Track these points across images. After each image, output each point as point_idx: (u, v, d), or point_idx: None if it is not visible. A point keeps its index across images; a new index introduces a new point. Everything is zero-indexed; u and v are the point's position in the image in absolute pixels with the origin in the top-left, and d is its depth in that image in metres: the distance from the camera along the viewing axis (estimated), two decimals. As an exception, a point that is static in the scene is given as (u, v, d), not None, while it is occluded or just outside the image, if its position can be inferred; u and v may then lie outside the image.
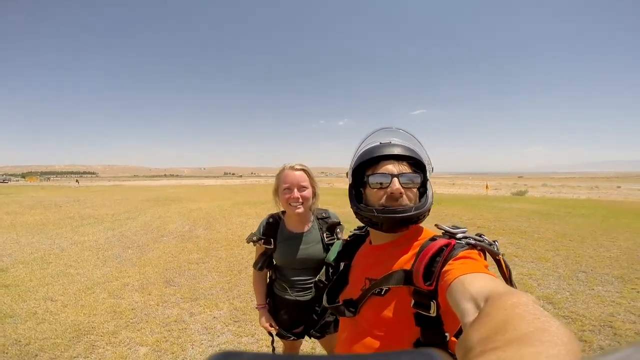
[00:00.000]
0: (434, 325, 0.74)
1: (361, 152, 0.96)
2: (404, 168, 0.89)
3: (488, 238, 0.79)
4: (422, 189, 0.93)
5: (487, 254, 0.78)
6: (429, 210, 0.89)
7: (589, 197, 20.41)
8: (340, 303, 0.97)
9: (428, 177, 0.94)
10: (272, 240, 1.61)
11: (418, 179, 0.90)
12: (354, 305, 0.91)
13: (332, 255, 1.17)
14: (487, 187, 29.29)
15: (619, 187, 39.44)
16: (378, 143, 0.95)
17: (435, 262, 0.72)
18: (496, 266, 0.81)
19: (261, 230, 1.65)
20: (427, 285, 0.71)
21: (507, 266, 0.80)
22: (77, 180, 78.19)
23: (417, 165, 0.93)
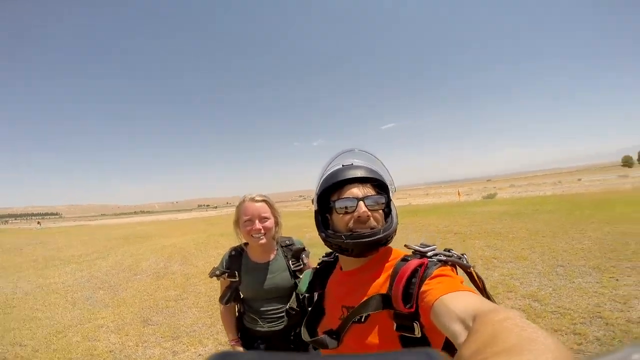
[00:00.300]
0: (421, 345, 0.73)
1: (324, 177, 0.96)
2: (369, 190, 0.90)
3: (456, 252, 0.80)
4: (387, 209, 0.93)
5: (459, 268, 0.79)
6: (395, 230, 0.90)
7: (554, 193, 21.51)
8: (321, 335, 0.92)
9: (391, 197, 0.95)
10: (236, 272, 1.58)
11: (383, 200, 0.90)
12: (335, 336, 0.88)
13: (303, 286, 1.15)
14: (459, 193, 30.25)
15: (579, 179, 41.86)
16: (340, 166, 0.96)
17: (412, 283, 0.72)
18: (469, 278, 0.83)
19: (224, 264, 1.62)
20: (407, 308, 0.70)
21: (479, 277, 0.81)
22: (38, 222, 73.49)
23: (380, 186, 0.93)
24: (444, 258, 0.76)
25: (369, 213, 0.85)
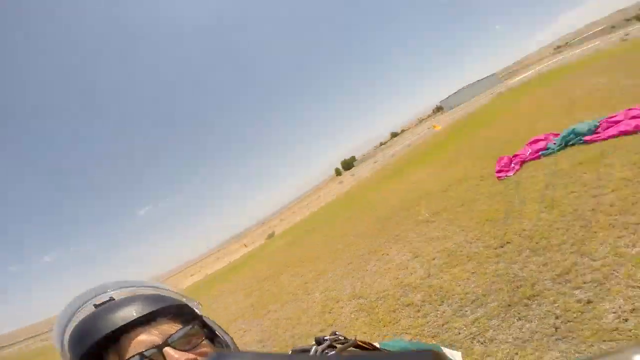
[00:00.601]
0: None
1: (75, 337, 0.56)
2: (166, 327, 0.58)
3: (326, 335, 0.69)
4: (206, 329, 0.65)
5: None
6: (235, 344, 0.67)
7: (311, 212, 26.04)
8: None
9: (200, 312, 0.67)
10: None
11: (192, 325, 0.60)
12: None
13: None
14: (245, 245, 31.55)
15: (319, 196, 52.67)
16: (93, 308, 0.59)
17: None
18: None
19: None
20: None
21: (366, 342, 0.70)
22: None
23: (178, 311, 0.63)
24: (332, 352, 0.63)
25: (190, 356, 0.54)
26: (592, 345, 1.85)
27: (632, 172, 3.49)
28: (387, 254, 5.16)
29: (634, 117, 5.00)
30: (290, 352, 0.65)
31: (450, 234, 4.52)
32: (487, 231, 3.98)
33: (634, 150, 3.96)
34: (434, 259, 4.08)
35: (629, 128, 4.75)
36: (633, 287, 2.09)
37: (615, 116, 5.38)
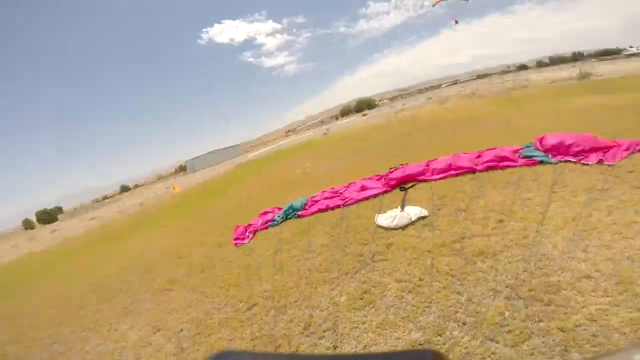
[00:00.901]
0: None
1: None
2: None
3: None
4: None
5: None
6: None
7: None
8: None
9: None
10: None
11: None
12: None
13: None
14: None
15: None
16: None
17: None
18: None
19: None
20: None
21: None
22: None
23: None
24: None
25: None
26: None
27: (327, 240, 4.87)
28: (117, 330, 4.37)
29: (326, 198, 7.10)
30: None
31: (194, 302, 4.38)
32: (233, 295, 4.15)
33: (327, 224, 5.57)
34: (181, 330, 3.79)
35: (322, 207, 6.67)
36: (355, 328, 2.79)
37: (315, 196, 7.43)
